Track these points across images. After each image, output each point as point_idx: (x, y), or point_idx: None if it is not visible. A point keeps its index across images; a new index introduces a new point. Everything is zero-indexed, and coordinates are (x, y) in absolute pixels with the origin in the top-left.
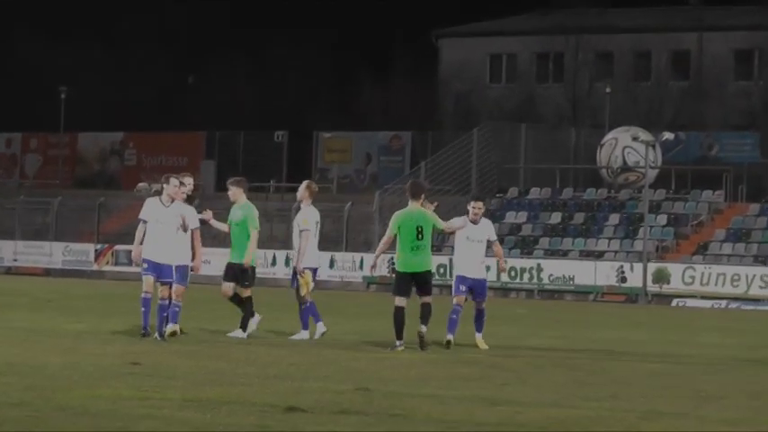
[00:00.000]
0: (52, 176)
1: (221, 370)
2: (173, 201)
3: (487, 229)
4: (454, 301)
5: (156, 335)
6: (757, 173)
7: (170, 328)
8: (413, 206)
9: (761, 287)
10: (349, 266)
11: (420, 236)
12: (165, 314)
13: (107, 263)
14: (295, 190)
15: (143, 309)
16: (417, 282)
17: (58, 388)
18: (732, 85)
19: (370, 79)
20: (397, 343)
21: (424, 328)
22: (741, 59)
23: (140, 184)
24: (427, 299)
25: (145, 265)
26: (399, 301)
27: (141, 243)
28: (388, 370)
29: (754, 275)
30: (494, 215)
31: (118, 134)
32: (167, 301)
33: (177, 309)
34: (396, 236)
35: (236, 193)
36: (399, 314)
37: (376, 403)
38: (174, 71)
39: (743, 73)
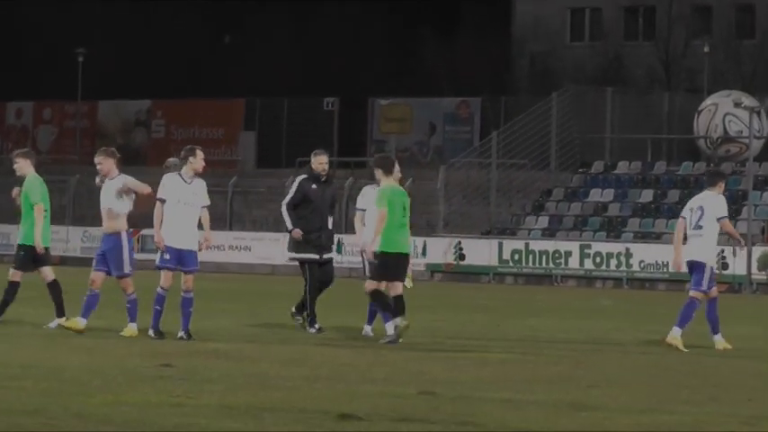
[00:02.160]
0: (69, 151)
1: (264, 372)
2: (195, 176)
3: None
4: None
5: (182, 333)
6: None
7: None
8: (390, 182)
9: None
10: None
11: (405, 213)
12: (191, 308)
13: (132, 249)
14: (348, 165)
15: (157, 307)
16: (400, 264)
17: (77, 393)
18: None
19: (434, 38)
20: (398, 320)
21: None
22: None
23: (170, 160)
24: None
25: (167, 256)
26: (378, 285)
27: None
28: (456, 371)
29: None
30: (576, 192)
31: (144, 102)
32: (191, 294)
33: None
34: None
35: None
36: (380, 294)
37: (442, 409)
38: (207, 30)
39: None
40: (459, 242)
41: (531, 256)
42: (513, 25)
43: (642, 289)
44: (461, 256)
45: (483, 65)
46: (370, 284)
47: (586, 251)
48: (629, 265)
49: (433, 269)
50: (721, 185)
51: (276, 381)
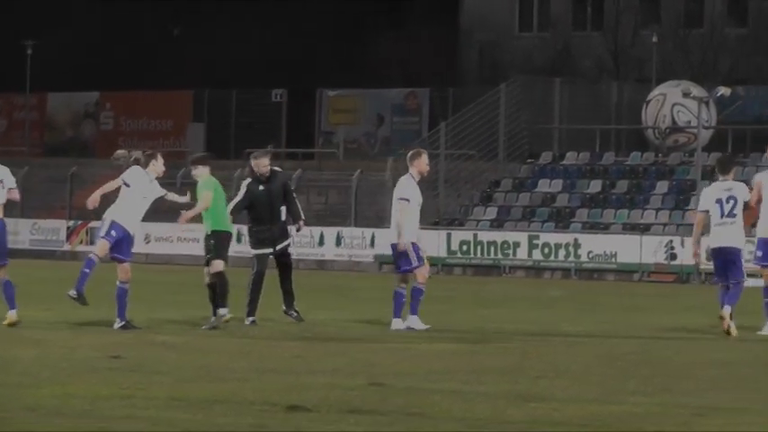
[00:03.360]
0: (17, 143)
1: (213, 364)
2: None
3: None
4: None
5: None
6: None
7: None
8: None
9: None
10: (358, 244)
11: None
12: (126, 298)
13: (81, 242)
14: (295, 156)
15: (85, 270)
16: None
17: (27, 385)
18: None
19: (382, 29)
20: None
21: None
22: None
23: (118, 152)
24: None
25: (113, 233)
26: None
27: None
28: (405, 362)
29: None
30: (524, 183)
31: (93, 94)
32: (127, 285)
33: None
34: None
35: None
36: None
37: (391, 400)
38: (156, 21)
39: None
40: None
41: (479, 247)
42: (461, 16)
43: (590, 279)
44: None
45: (431, 56)
46: (218, 266)
47: (535, 242)
48: (577, 256)
49: (382, 261)
50: (734, 171)
51: (225, 373)
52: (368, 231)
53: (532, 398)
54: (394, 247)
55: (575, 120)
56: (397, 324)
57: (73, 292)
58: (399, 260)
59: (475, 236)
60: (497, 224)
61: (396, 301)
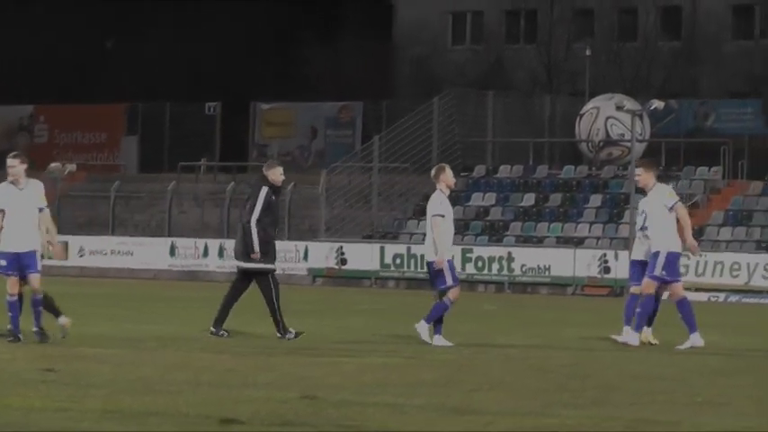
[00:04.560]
0: None
1: (147, 377)
2: (28, 181)
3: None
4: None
5: (35, 328)
6: (760, 146)
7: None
8: None
9: (764, 277)
10: (292, 257)
11: None
12: (40, 307)
13: None
14: (229, 170)
15: (9, 314)
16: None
17: None
18: (730, 46)
19: (316, 42)
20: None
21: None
22: (740, 15)
23: (53, 165)
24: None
25: (3, 262)
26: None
27: None
28: (338, 375)
29: (757, 264)
30: (458, 196)
31: (26, 107)
32: (40, 295)
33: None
34: None
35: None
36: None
37: (324, 413)
38: (90, 34)
39: (742, 31)
40: (341, 246)
41: (412, 261)
42: (395, 29)
43: (524, 293)
44: (343, 261)
45: (365, 69)
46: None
47: (468, 255)
48: (510, 270)
49: (315, 274)
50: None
51: (159, 385)
52: (301, 244)
53: (466, 411)
54: (430, 264)
55: (508, 133)
56: (439, 341)
57: (11, 337)
58: (436, 278)
59: (408, 249)
60: None
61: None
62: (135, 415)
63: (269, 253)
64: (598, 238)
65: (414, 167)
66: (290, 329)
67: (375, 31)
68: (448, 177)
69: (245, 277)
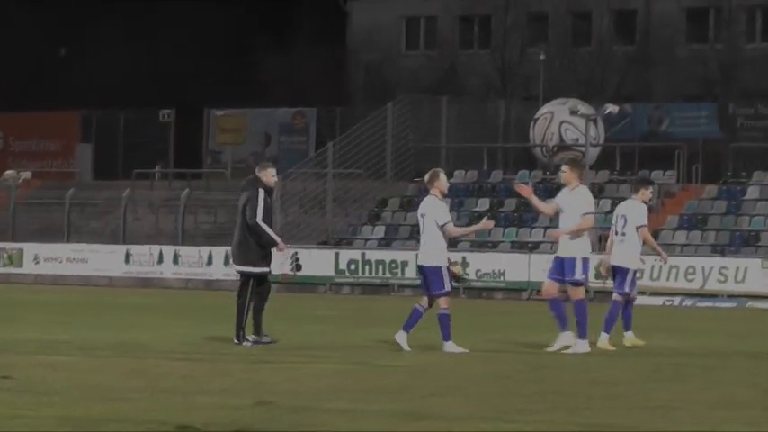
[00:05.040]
0: None
1: (104, 384)
2: None
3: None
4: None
5: None
6: (714, 150)
7: None
8: None
9: (719, 281)
10: None
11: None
12: None
13: None
14: (183, 176)
15: None
16: None
17: None
18: (684, 50)
19: (269, 48)
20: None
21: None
22: (694, 19)
23: (8, 172)
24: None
25: None
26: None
27: None
28: (293, 381)
29: (712, 268)
30: (412, 202)
31: None
32: None
33: None
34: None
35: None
36: None
37: (280, 419)
38: (44, 42)
39: (696, 35)
40: (296, 253)
41: (367, 266)
42: (348, 35)
43: (479, 298)
44: (298, 267)
45: (318, 75)
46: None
47: None
48: (465, 275)
49: (272, 280)
50: (644, 192)
51: (115, 392)
52: None
53: (422, 416)
54: (430, 269)
55: (462, 138)
56: (451, 347)
57: None
58: (432, 284)
59: (363, 255)
60: (385, 243)
61: (444, 324)
62: (92, 422)
63: (266, 258)
64: (552, 243)
65: (368, 173)
66: (249, 338)
67: (329, 37)
68: (442, 183)
69: (258, 281)
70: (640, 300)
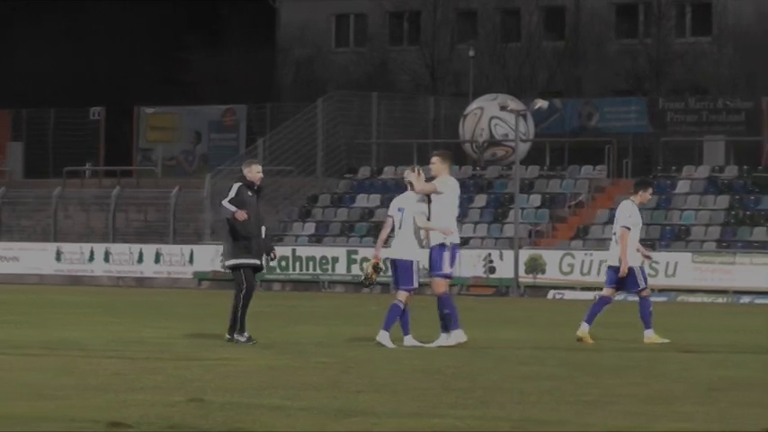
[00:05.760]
0: None
1: (34, 382)
2: None
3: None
4: None
5: None
6: (644, 144)
7: None
8: None
9: (649, 275)
10: (177, 260)
11: None
12: None
13: None
14: (114, 174)
15: None
16: None
17: None
18: (614, 45)
19: (200, 46)
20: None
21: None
22: (623, 15)
23: None
24: None
25: None
26: None
27: None
28: (225, 378)
29: (642, 262)
30: (342, 198)
31: None
32: None
33: None
34: None
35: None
36: None
37: (212, 416)
38: None
39: (626, 30)
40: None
41: (298, 263)
42: (278, 32)
43: None
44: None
45: (248, 72)
46: None
47: (353, 257)
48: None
49: (201, 277)
50: (642, 194)
51: (47, 390)
52: (186, 248)
53: (352, 412)
54: (402, 263)
55: (392, 134)
56: (384, 338)
57: None
58: (401, 277)
59: (294, 251)
60: (316, 239)
61: (403, 319)
62: (23, 420)
63: (251, 250)
64: (483, 238)
65: (298, 170)
66: (245, 333)
67: (259, 35)
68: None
69: (250, 274)
70: (572, 294)
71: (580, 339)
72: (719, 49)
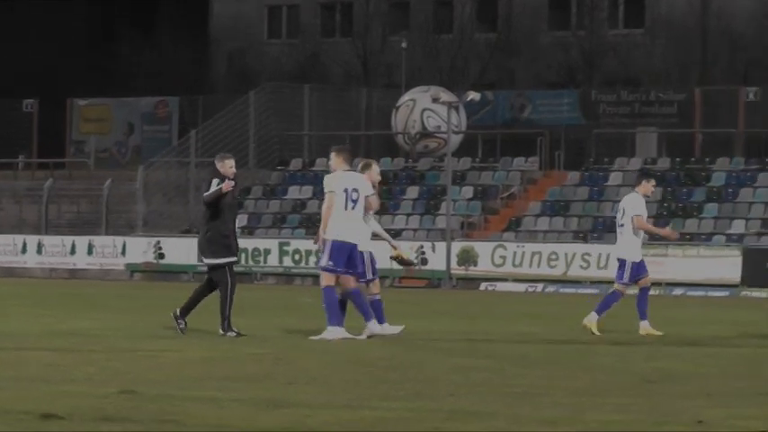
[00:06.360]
0: None
1: None
2: None
3: None
4: None
5: None
6: (577, 136)
7: None
8: None
9: (582, 267)
10: (110, 252)
11: None
12: None
13: None
14: (47, 166)
15: None
16: None
17: None
18: (546, 37)
19: (132, 38)
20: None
21: None
22: (556, 7)
23: None
24: None
25: None
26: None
27: None
28: (157, 370)
29: (574, 254)
30: (275, 190)
31: None
32: None
33: None
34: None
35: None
36: None
37: (144, 408)
38: None
39: (558, 22)
40: (159, 241)
41: None
42: (211, 23)
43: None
44: (161, 256)
45: (181, 64)
46: None
47: (285, 248)
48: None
49: (133, 269)
50: (645, 185)
51: None
52: (119, 240)
53: (284, 404)
54: (363, 253)
55: (324, 126)
56: (378, 328)
57: None
58: (359, 268)
59: None
60: (248, 231)
61: (376, 308)
62: None
63: (230, 247)
64: (415, 230)
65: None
66: (234, 329)
67: (191, 25)
68: (374, 174)
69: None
70: (502, 286)
71: (590, 331)
72: (652, 40)
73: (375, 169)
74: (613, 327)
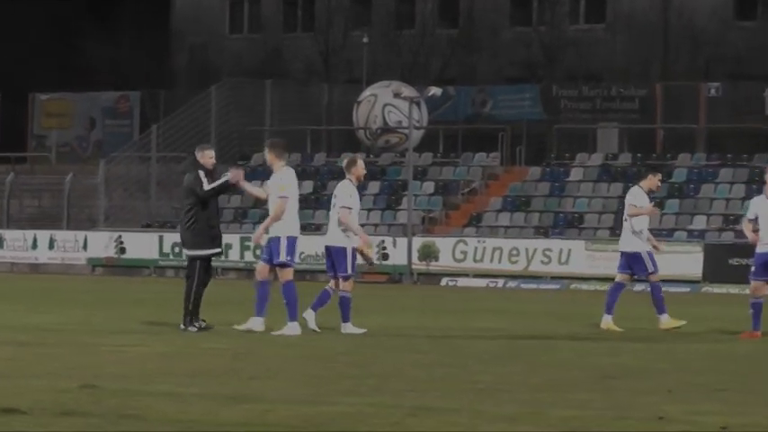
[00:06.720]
0: None
1: None
2: None
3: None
4: None
5: None
6: (538, 131)
7: None
8: None
9: (543, 262)
10: (71, 247)
11: None
12: None
13: None
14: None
15: None
16: None
17: None
18: (508, 32)
19: (94, 32)
20: None
21: None
22: (517, 2)
23: None
24: None
25: None
26: None
27: None
28: (118, 365)
29: (536, 249)
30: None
31: None
32: None
33: None
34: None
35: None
36: None
37: (104, 403)
38: None
39: (520, 18)
40: (120, 236)
41: None
42: (172, 17)
43: (302, 280)
44: (122, 250)
45: (142, 58)
46: None
47: (247, 243)
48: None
49: (94, 263)
50: (651, 179)
51: None
52: (80, 234)
53: (245, 399)
54: (335, 250)
55: (285, 121)
56: (349, 328)
57: None
58: (339, 265)
59: None
60: None
61: (344, 306)
62: None
63: (216, 238)
64: (376, 225)
65: (192, 157)
66: (195, 324)
67: (153, 20)
68: (359, 170)
69: (206, 263)
70: (463, 281)
71: (673, 330)
72: (613, 36)
73: (360, 165)
74: (577, 322)
